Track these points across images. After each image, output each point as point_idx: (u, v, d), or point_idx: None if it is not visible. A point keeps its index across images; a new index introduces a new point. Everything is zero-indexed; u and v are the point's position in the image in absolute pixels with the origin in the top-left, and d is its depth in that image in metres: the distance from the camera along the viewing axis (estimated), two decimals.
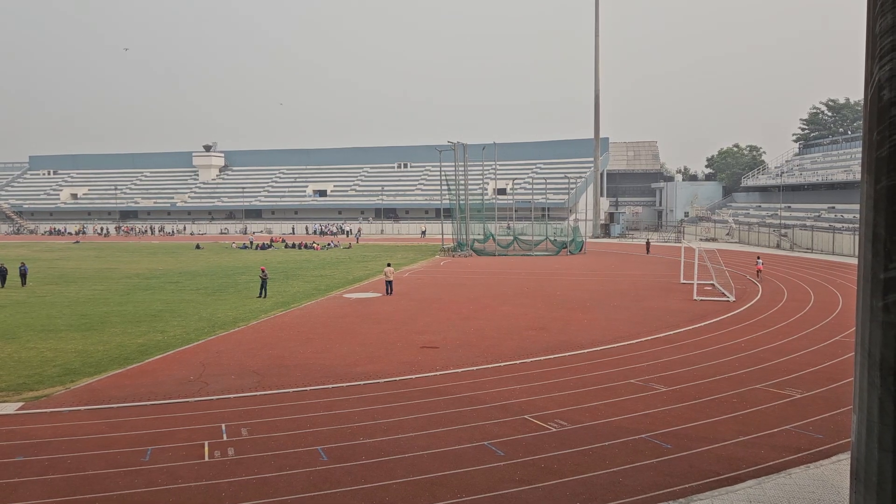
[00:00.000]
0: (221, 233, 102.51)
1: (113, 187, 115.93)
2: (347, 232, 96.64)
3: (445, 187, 68.95)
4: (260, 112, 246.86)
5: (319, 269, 47.02)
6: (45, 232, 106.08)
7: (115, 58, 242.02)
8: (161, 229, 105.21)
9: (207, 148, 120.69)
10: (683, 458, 12.07)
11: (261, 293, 32.82)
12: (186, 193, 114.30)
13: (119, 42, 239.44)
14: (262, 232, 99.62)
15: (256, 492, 10.88)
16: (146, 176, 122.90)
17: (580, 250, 61.29)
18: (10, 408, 15.41)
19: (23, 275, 38.24)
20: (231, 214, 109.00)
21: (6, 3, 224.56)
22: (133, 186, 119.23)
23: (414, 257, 57.11)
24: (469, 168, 67.07)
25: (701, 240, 69.74)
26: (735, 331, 23.72)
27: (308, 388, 16.78)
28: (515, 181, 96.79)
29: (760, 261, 39.77)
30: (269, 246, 72.01)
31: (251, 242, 74.23)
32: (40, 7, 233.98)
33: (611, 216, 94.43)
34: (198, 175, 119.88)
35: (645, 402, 15.27)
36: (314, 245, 71.64)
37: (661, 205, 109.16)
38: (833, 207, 68.07)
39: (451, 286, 37.59)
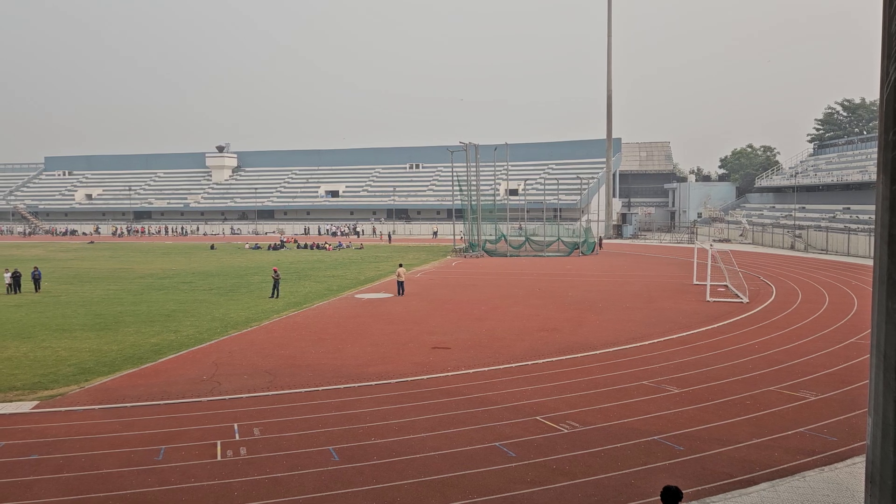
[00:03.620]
0: (233, 233, 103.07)
1: (127, 188, 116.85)
2: (359, 233, 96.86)
3: (457, 188, 68.95)
4: (272, 113, 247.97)
5: (331, 270, 47.14)
6: (60, 233, 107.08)
7: (129, 62, 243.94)
8: (180, 230, 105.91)
9: (220, 149, 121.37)
10: (696, 460, 12.01)
11: (273, 293, 32.94)
12: (200, 194, 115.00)
13: (133, 46, 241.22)
14: (273, 232, 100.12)
15: (268, 491, 10.92)
16: (160, 177, 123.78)
17: (592, 251, 61.14)
18: (25, 406, 15.55)
19: (36, 280, 36.11)
20: (244, 215, 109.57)
21: (24, 10, 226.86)
22: (147, 187, 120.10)
23: (426, 258, 57.16)
24: (481, 169, 67.05)
25: (714, 241, 69.33)
26: (748, 332, 23.55)
27: (320, 389, 16.82)
28: (527, 182, 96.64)
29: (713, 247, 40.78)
30: (282, 246, 72.33)
31: (282, 242, 74.96)
32: (56, 14, 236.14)
33: (623, 217, 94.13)
34: (211, 176, 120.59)
35: (657, 404, 15.20)
36: (326, 245, 71.91)
37: (673, 205, 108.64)
38: (848, 208, 67.47)
39: (463, 287, 37.58)
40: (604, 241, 74.01)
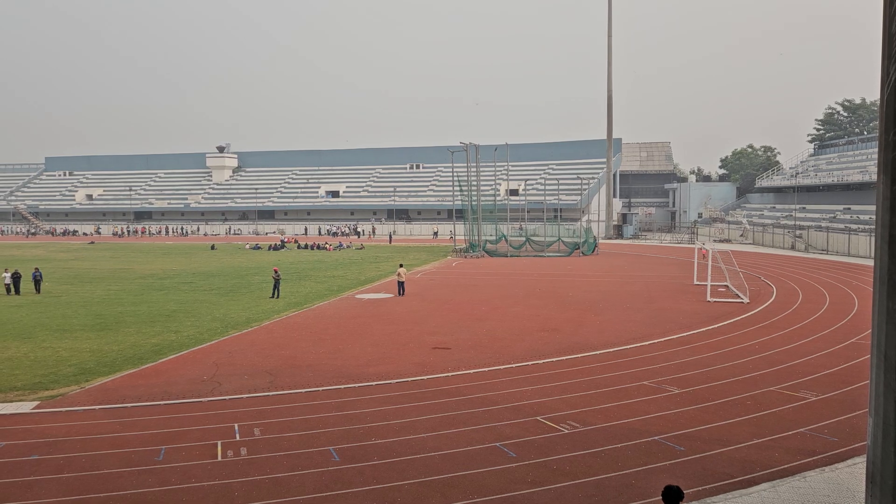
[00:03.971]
0: (234, 233, 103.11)
1: (128, 188, 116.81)
2: (359, 233, 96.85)
3: (458, 188, 68.93)
4: (273, 114, 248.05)
5: (332, 270, 47.16)
6: (59, 233, 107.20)
7: (129, 62, 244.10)
8: (180, 230, 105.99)
9: (221, 149, 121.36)
10: (697, 460, 12.01)
11: (273, 294, 32.94)
12: (200, 194, 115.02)
13: (133, 46, 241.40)
14: (274, 232, 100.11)
15: (269, 492, 10.92)
16: (160, 177, 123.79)
17: (592, 251, 61.13)
18: (25, 407, 15.56)
19: (37, 281, 35.60)
20: (244, 215, 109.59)
21: (24, 10, 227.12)
22: (147, 187, 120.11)
23: (426, 258, 57.17)
24: (481, 169, 67.03)
25: (714, 241, 69.33)
26: (749, 332, 23.55)
27: (320, 389, 16.83)
28: (528, 182, 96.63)
29: (704, 246, 41.30)
30: (282, 246, 72.35)
31: (282, 242, 75.15)
32: (56, 14, 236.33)
33: (623, 217, 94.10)
34: (211, 176, 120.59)
35: (658, 404, 15.20)
36: (326, 246, 71.92)
37: (674, 206, 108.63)
38: (849, 209, 67.45)
39: (463, 287, 37.59)
40: (602, 241, 73.97)
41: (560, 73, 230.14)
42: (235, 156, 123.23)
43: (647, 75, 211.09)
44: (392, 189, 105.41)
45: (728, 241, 73.74)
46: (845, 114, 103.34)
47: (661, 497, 7.48)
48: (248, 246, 73.79)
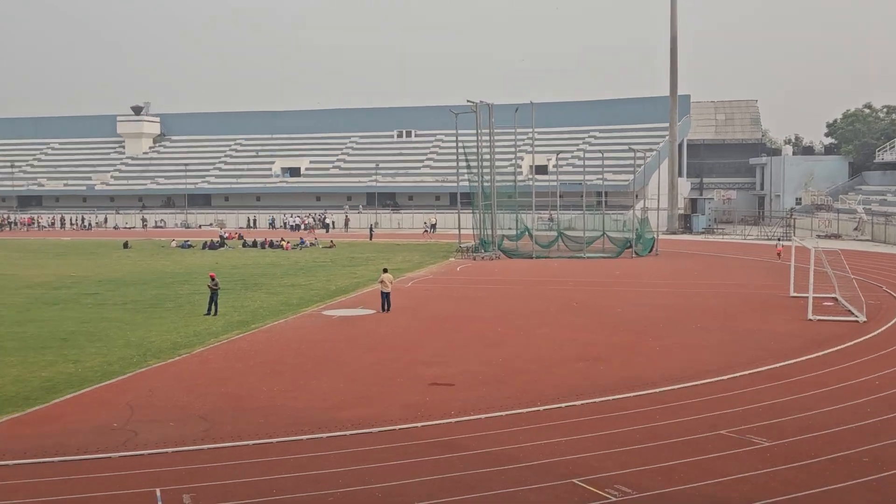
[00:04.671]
0: (157, 226, 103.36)
1: (8, 164, 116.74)
2: (328, 225, 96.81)
3: (464, 164, 68.88)
4: (208, 62, 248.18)
5: (290, 277, 47.20)
6: None
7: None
8: (81, 221, 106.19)
9: (137, 110, 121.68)
10: None
11: (210, 309, 32.97)
12: (109, 172, 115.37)
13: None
14: (210, 225, 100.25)
15: None
16: (54, 149, 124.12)
17: (650, 250, 61.12)
18: None
19: None
20: (169, 201, 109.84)
21: None
22: (36, 163, 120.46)
23: (420, 260, 57.22)
24: (497, 138, 66.85)
25: (819, 236, 69.27)
26: (867, 363, 23.53)
27: (274, 440, 16.81)
28: (560, 156, 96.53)
29: (780, 243, 41.41)
30: (222, 244, 72.36)
31: (221, 238, 75.01)
32: None
33: (693, 204, 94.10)
34: (124, 147, 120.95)
35: (740, 462, 15.17)
36: (283, 243, 71.82)
37: (762, 188, 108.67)
38: None
39: (471, 300, 37.63)
40: (663, 237, 74.01)
41: (604, 7, 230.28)
42: (157, 119, 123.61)
43: (725, 14, 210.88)
44: (373, 165, 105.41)
45: (838, 236, 73.73)
46: None
47: None
48: (174, 243, 73.86)
